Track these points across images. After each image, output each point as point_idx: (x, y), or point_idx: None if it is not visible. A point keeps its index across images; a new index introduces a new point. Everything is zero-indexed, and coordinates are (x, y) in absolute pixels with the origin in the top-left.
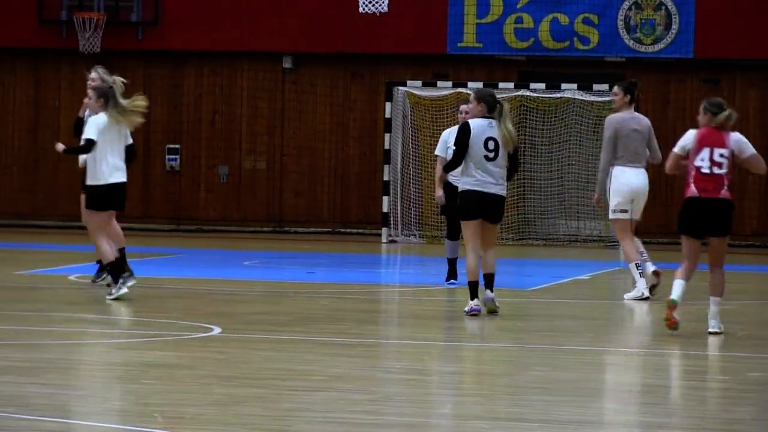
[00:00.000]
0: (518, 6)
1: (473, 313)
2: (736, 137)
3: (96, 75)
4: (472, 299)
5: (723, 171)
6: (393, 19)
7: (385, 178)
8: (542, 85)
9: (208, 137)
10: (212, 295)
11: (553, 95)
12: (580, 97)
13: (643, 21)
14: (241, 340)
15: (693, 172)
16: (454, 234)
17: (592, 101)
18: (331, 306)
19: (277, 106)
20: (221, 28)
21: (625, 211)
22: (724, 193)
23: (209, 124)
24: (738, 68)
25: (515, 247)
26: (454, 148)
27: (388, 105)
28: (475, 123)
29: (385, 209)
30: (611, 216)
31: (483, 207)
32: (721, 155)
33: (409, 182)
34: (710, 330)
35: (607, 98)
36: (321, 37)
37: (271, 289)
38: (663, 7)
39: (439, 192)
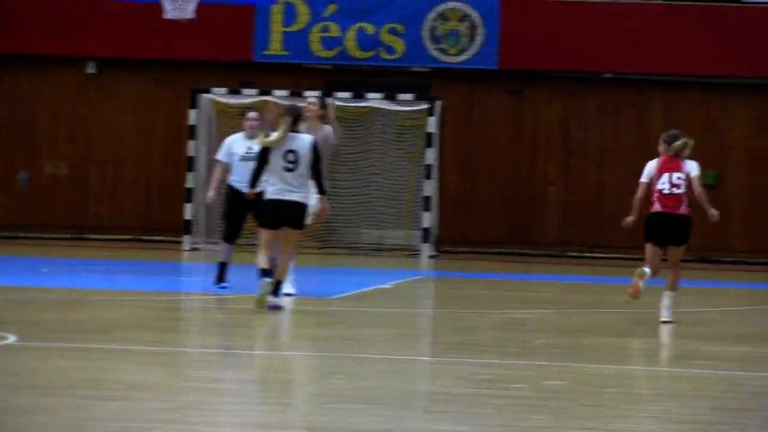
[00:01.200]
0: (324, 15)
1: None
2: (690, 163)
3: None
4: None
5: (681, 191)
6: (199, 26)
7: (189, 185)
8: (348, 94)
9: (8, 142)
10: (9, 303)
11: (359, 104)
12: (385, 107)
13: (448, 32)
14: (37, 349)
15: (656, 194)
16: (232, 237)
17: (397, 110)
18: (131, 314)
19: (80, 112)
20: (24, 31)
21: None
22: (683, 209)
23: (9, 128)
24: (541, 80)
25: (318, 255)
26: (256, 161)
27: (192, 112)
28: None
29: (187, 217)
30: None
31: (283, 214)
32: (679, 178)
33: None
34: (663, 319)
35: (412, 108)
36: (125, 42)
37: (70, 296)
38: (468, 19)
39: (211, 193)
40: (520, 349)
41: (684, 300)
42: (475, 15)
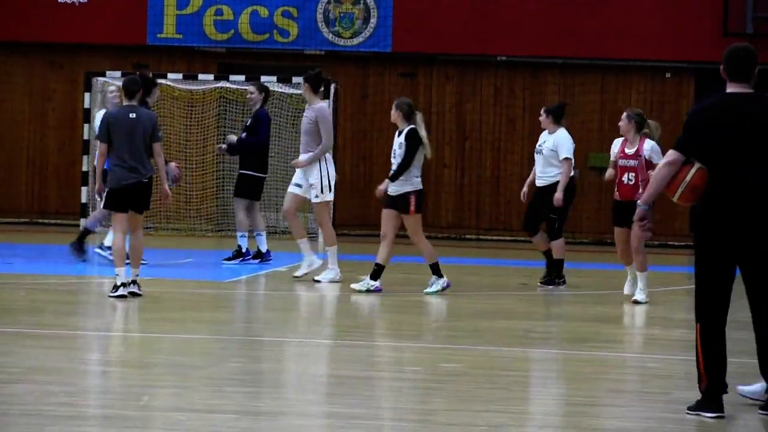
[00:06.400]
0: None
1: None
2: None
3: None
4: None
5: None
6: (92, 9)
7: (84, 168)
8: (242, 77)
9: None
10: None
11: None
12: (280, 90)
13: (342, 15)
14: None
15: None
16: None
17: (291, 93)
18: (29, 297)
19: None
20: None
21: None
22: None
23: None
24: (434, 63)
25: (214, 238)
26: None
27: (87, 95)
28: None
29: (83, 200)
30: (328, 198)
31: None
32: None
33: None
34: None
35: None
36: (19, 25)
37: None
38: (361, 2)
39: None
40: (416, 332)
41: (582, 282)
42: None
